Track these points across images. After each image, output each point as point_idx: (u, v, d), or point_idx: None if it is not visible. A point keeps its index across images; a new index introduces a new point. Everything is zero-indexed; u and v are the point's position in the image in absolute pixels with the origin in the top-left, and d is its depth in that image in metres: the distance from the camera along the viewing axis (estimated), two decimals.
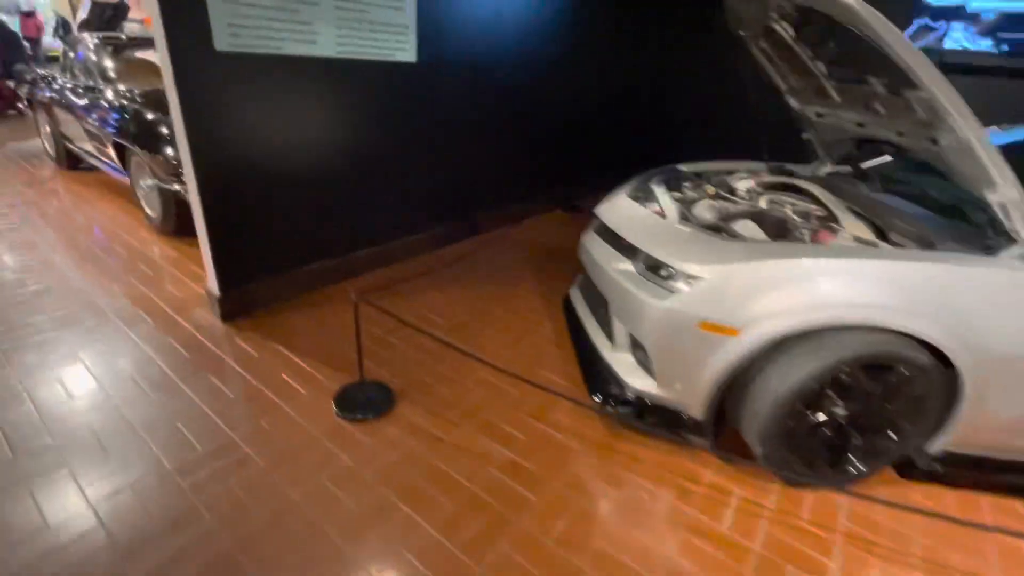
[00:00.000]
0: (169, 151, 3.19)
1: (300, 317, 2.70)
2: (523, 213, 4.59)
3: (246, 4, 2.23)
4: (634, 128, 5.87)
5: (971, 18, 4.35)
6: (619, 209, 2.39)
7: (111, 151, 3.75)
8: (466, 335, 2.65)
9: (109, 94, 3.86)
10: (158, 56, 2.14)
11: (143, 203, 3.71)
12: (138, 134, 3.38)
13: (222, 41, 2.21)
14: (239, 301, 2.64)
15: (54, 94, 4.56)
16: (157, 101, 3.72)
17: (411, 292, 3.08)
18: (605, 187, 2.80)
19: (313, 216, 2.89)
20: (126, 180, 3.83)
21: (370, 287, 3.10)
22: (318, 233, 2.95)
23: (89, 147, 4.20)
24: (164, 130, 3.28)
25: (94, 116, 3.83)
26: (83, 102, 4.05)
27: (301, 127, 2.67)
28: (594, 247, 2.35)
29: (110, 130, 3.62)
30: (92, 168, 4.86)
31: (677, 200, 2.39)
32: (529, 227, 4.42)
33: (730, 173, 2.97)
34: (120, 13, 9.31)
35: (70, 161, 4.96)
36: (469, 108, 3.66)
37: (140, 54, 4.73)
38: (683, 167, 3.14)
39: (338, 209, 3.00)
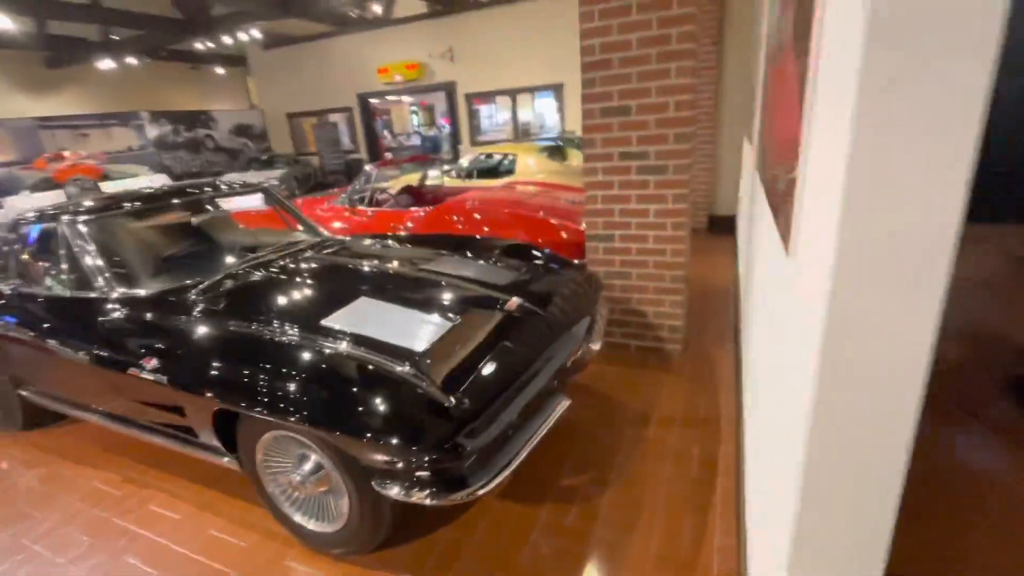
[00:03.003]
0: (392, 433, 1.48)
1: None
2: None
3: None
4: None
5: None
6: None
7: (199, 422, 1.94)
8: None
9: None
10: None
11: (293, 512, 1.90)
12: (303, 391, 1.58)
13: None
14: None
15: (14, 320, 2.63)
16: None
17: None
18: None
19: None
20: (224, 462, 2.03)
21: None
22: None
23: (101, 405, 2.33)
24: (380, 373, 1.59)
25: (136, 353, 2.02)
26: (83, 324, 2.22)
27: None
28: None
29: (199, 386, 1.83)
30: (62, 417, 2.92)
31: None
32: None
33: None
34: None
35: (26, 416, 2.93)
36: None
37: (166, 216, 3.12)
38: None
39: None
